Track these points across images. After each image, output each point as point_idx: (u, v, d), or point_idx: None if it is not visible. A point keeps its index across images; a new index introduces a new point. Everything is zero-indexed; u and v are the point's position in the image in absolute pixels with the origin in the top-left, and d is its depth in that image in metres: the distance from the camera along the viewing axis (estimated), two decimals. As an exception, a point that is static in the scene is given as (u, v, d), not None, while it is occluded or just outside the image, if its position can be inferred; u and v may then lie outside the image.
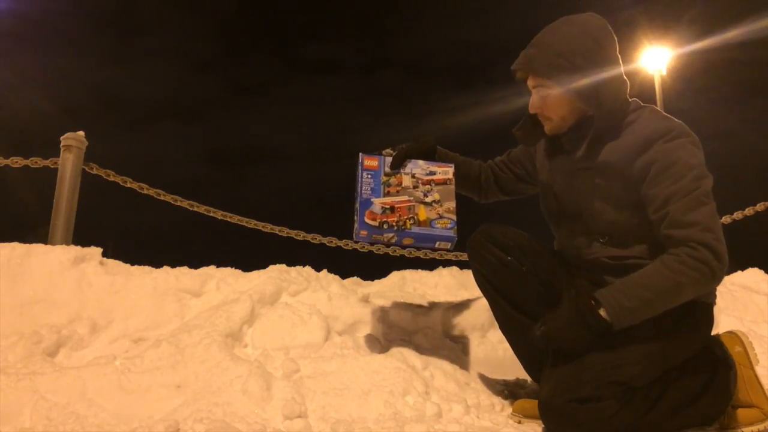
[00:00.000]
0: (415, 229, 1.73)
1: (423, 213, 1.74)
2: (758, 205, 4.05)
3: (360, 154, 1.79)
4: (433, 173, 1.80)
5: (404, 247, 1.84)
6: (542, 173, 1.91)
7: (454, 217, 1.76)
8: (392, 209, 1.73)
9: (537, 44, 1.72)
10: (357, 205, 1.75)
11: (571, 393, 1.54)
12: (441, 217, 1.75)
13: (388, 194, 1.75)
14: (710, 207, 1.57)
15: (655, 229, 1.61)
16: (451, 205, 1.77)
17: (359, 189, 1.76)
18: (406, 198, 1.75)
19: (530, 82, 1.75)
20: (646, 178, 1.61)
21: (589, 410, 1.53)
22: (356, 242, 1.82)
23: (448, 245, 1.80)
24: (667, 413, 1.62)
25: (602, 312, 1.54)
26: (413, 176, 1.78)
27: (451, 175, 1.81)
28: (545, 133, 1.82)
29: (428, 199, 1.76)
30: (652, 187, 1.60)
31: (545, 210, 1.91)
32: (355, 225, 1.76)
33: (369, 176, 1.76)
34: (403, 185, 1.76)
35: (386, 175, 1.77)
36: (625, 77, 1.72)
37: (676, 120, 1.67)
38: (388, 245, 1.83)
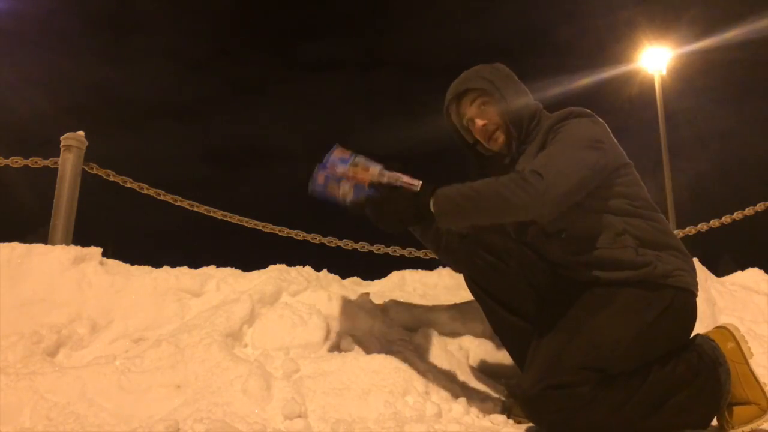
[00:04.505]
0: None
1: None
2: (758, 205, 4.04)
3: (336, 144, 1.74)
4: (400, 179, 1.71)
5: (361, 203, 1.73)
6: None
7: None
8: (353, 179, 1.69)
9: (471, 74, 1.89)
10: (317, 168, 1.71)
11: (550, 380, 1.55)
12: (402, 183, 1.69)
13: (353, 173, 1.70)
14: (568, 157, 1.65)
15: None
16: None
17: (323, 160, 1.72)
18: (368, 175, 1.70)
19: (473, 106, 1.87)
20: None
21: (565, 396, 1.53)
22: (311, 193, 1.73)
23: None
24: (647, 407, 1.60)
25: (432, 201, 1.60)
26: (381, 173, 1.71)
27: (419, 188, 1.69)
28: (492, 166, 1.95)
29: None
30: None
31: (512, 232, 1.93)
32: (313, 174, 1.71)
33: (337, 158, 1.72)
34: (369, 171, 1.70)
35: (354, 164, 1.71)
36: (535, 101, 1.89)
37: (577, 107, 1.81)
38: (342, 203, 1.74)
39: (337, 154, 1.73)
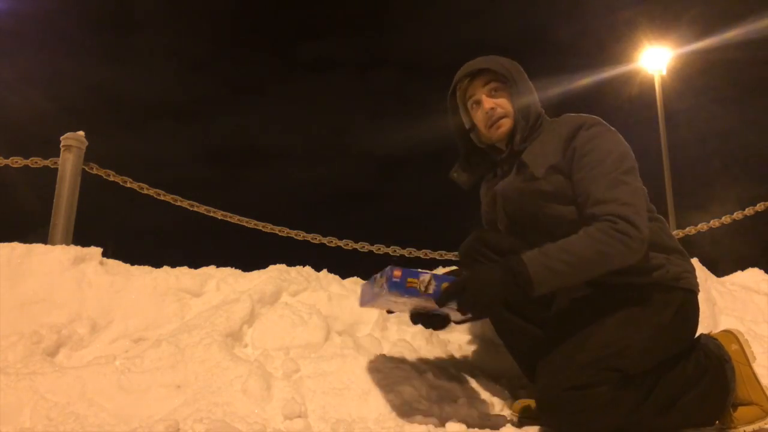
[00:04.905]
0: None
1: None
2: (758, 205, 4.04)
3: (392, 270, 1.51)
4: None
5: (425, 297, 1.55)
6: (490, 209, 1.94)
7: None
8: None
9: (490, 58, 1.88)
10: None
11: (569, 381, 1.55)
12: None
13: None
14: (630, 186, 1.65)
15: (580, 212, 1.67)
16: None
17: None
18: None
19: (485, 88, 1.85)
20: (572, 165, 1.71)
21: (585, 397, 1.53)
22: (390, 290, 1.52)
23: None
24: (661, 406, 1.62)
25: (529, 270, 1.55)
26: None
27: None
28: (484, 171, 1.95)
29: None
30: (576, 172, 1.70)
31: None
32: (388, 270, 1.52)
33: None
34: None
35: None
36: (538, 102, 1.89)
37: (589, 115, 1.80)
38: (423, 293, 1.54)
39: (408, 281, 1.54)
